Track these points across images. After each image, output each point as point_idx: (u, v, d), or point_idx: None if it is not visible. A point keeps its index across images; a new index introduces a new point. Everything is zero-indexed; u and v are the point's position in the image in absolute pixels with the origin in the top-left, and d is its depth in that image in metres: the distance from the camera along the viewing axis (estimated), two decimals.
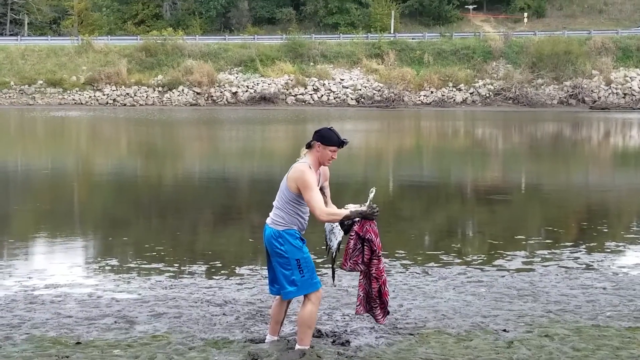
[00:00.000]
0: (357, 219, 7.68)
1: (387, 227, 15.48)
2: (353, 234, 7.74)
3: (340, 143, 7.61)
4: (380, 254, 7.74)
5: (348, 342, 8.09)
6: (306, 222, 7.72)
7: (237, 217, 17.76)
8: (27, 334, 8.40)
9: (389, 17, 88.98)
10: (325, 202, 7.74)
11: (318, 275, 7.73)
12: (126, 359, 7.59)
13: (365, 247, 7.71)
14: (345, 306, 9.52)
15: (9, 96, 68.68)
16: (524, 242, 14.13)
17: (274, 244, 7.58)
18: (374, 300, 7.84)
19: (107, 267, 11.99)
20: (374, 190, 7.82)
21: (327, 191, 7.87)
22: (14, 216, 17.93)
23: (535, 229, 16.28)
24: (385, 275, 7.83)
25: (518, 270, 11.78)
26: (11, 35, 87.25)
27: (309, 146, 7.63)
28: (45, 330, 8.55)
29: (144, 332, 8.50)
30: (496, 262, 12.36)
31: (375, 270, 7.73)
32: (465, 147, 37.62)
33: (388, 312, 7.99)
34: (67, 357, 7.64)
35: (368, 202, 7.72)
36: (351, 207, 7.76)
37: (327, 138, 7.58)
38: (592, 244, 13.93)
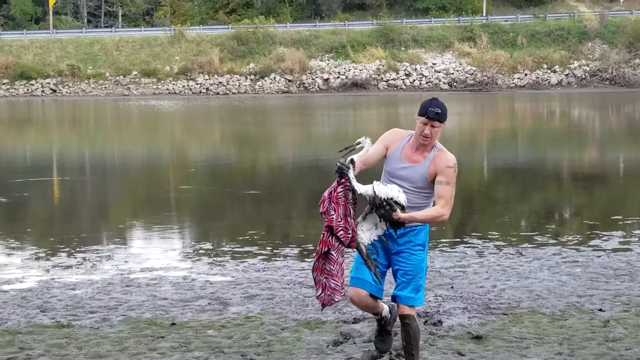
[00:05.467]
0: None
1: (481, 209, 15.35)
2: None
3: (427, 113, 6.37)
4: (330, 221, 6.29)
5: (440, 322, 8.05)
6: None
7: None
8: (124, 315, 8.55)
9: (481, 0, 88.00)
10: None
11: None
12: (220, 339, 7.68)
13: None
14: (438, 287, 9.47)
15: (105, 87, 69.80)
16: (621, 223, 13.87)
17: None
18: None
19: (201, 251, 12.13)
20: (363, 142, 6.49)
21: (438, 188, 6.40)
22: (111, 204, 18.28)
23: (633, 209, 15.96)
24: (324, 247, 6.34)
25: (615, 250, 11.57)
26: (106, 27, 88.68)
27: None
28: (141, 312, 8.69)
29: (238, 313, 8.58)
30: (592, 243, 12.16)
31: (321, 233, 6.39)
32: (561, 129, 37.05)
33: (326, 299, 6.44)
34: (163, 337, 7.76)
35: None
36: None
37: (420, 107, 6.49)
38: None
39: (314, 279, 6.45)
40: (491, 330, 7.78)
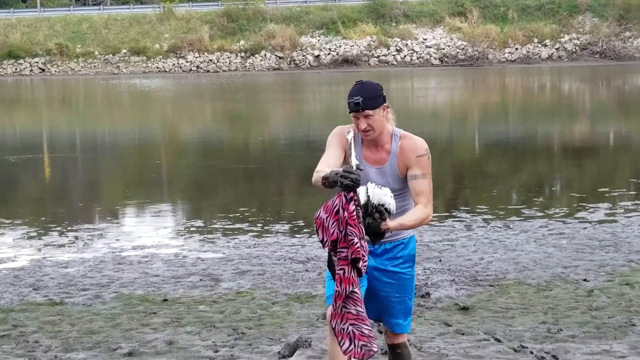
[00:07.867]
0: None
1: (471, 183, 15.47)
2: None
3: (349, 107, 5.15)
4: (341, 249, 4.80)
5: (428, 294, 8.19)
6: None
7: None
8: (116, 292, 8.66)
9: None
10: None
11: None
12: (211, 314, 7.79)
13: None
14: (426, 260, 9.60)
15: (94, 66, 69.63)
16: (607, 195, 14.01)
17: None
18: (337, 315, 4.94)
19: (192, 228, 12.24)
20: (349, 134, 5.21)
21: (414, 184, 5.17)
22: (102, 182, 18.37)
23: (620, 181, 16.10)
24: (348, 287, 4.79)
25: (600, 222, 11.72)
26: (94, 5, 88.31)
27: None
28: (133, 288, 8.80)
29: (229, 289, 8.69)
30: (578, 215, 12.30)
31: (339, 270, 4.84)
32: (551, 102, 37.14)
33: (359, 353, 4.88)
34: (155, 313, 7.87)
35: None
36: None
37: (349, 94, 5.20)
38: None
39: (334, 330, 4.92)
40: (478, 302, 7.92)
